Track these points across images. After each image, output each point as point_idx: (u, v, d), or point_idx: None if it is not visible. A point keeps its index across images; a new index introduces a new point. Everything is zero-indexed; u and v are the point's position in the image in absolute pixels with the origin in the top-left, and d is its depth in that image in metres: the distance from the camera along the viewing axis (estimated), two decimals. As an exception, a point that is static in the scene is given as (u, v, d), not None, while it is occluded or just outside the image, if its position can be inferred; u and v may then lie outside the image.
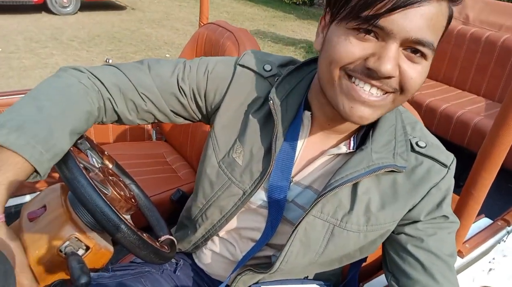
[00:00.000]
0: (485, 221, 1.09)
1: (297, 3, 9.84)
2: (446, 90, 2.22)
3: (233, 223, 0.79)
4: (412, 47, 0.53)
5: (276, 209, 0.71)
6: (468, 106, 2.04)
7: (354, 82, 0.56)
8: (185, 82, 0.75)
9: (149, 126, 1.95)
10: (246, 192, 0.73)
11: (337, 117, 0.66)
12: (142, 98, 0.74)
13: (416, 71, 0.55)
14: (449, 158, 0.69)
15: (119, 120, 0.77)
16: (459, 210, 0.86)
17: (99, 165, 0.82)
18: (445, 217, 0.68)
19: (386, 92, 0.57)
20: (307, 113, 0.70)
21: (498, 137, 0.76)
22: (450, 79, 2.31)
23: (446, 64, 2.32)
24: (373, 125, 0.69)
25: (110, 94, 0.73)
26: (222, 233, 0.83)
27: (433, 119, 1.96)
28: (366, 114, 0.58)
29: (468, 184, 0.84)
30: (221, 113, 0.75)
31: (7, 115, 0.60)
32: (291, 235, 0.70)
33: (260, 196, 0.74)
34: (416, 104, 2.02)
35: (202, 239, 0.83)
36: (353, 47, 0.54)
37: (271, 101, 0.69)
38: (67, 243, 0.66)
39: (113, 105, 0.73)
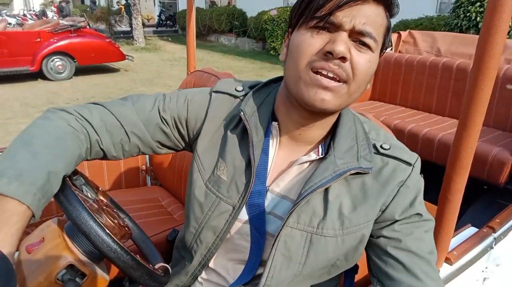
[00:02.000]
0: (471, 230, 1.12)
1: (283, 54, 10.31)
2: (427, 117, 2.34)
3: (226, 244, 0.80)
4: (358, 38, 0.64)
5: (258, 223, 0.74)
6: (449, 129, 2.13)
7: (317, 73, 0.65)
8: (166, 112, 0.80)
9: (144, 173, 2.00)
10: (235, 206, 0.76)
11: (304, 120, 0.73)
12: (127, 134, 0.79)
13: (363, 59, 0.65)
14: (413, 157, 0.75)
15: (104, 157, 0.81)
16: (440, 218, 0.90)
17: (95, 198, 0.87)
18: (419, 215, 0.72)
19: (340, 80, 0.65)
20: (274, 124, 0.77)
21: (462, 142, 0.82)
22: (429, 107, 2.44)
23: (424, 93, 2.47)
24: (333, 136, 0.75)
25: (98, 135, 0.77)
26: (217, 259, 0.84)
27: (417, 143, 2.04)
28: (327, 98, 0.65)
29: (443, 190, 0.88)
30: (202, 137, 0.80)
31: (4, 162, 0.63)
32: (271, 250, 0.72)
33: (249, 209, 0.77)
34: (398, 131, 2.11)
35: (199, 267, 0.84)
36: (313, 40, 0.65)
37: (242, 113, 0.75)
38: (64, 271, 0.68)
39: (99, 144, 0.78)
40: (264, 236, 0.75)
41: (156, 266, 0.89)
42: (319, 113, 0.71)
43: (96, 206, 0.80)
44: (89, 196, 0.87)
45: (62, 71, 7.02)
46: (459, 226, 1.21)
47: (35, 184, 0.61)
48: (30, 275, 0.66)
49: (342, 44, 0.62)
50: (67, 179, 0.74)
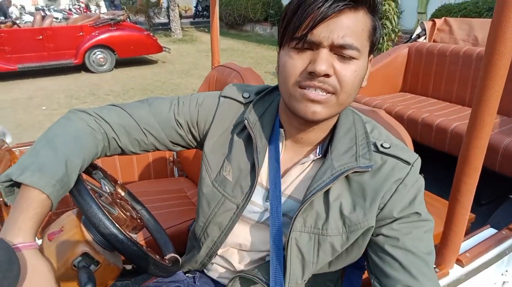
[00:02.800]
0: (489, 231, 1.08)
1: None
2: (459, 110, 2.24)
3: (232, 238, 0.86)
4: (340, 51, 0.65)
5: (276, 221, 0.78)
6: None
7: (305, 89, 0.68)
8: (180, 116, 0.86)
9: (171, 164, 2.08)
10: (239, 205, 0.81)
11: (303, 126, 0.76)
12: (144, 133, 0.85)
13: (349, 70, 0.66)
14: (412, 156, 0.75)
15: (123, 153, 0.89)
16: (450, 218, 0.88)
17: (111, 191, 0.93)
18: (418, 214, 0.72)
19: (329, 92, 0.67)
20: (281, 131, 0.80)
21: (473, 141, 0.80)
22: (463, 99, 2.34)
23: (457, 84, 2.36)
24: (332, 138, 0.77)
25: (116, 133, 0.83)
26: (223, 249, 0.89)
27: (445, 138, 1.96)
28: (318, 110, 0.68)
29: (453, 191, 0.86)
30: (209, 138, 0.85)
31: (28, 158, 0.71)
32: (286, 256, 0.76)
33: (253, 209, 0.82)
34: (426, 125, 2.04)
35: (207, 257, 0.90)
36: (295, 61, 0.67)
37: (246, 121, 0.79)
38: (80, 258, 0.75)
39: (117, 142, 0.84)
40: (281, 232, 0.78)
41: (167, 256, 0.95)
42: (317, 122, 0.74)
43: (111, 199, 0.86)
44: (106, 189, 0.93)
45: (103, 63, 7.32)
46: (481, 226, 1.17)
47: (55, 177, 0.68)
48: (50, 260, 0.73)
49: (322, 63, 0.64)
50: (83, 174, 0.80)
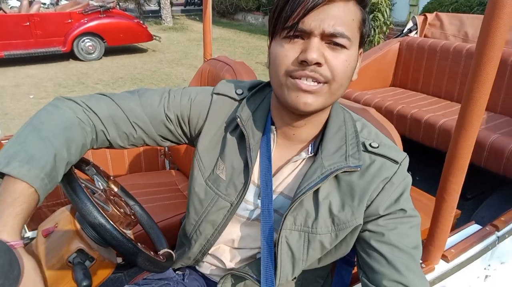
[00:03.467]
0: (474, 227, 1.12)
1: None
2: (447, 106, 2.28)
3: (224, 236, 0.86)
4: (331, 40, 0.65)
5: (267, 218, 0.78)
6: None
7: (297, 79, 0.68)
8: (170, 110, 0.84)
9: (163, 157, 2.08)
10: (233, 203, 0.81)
11: (294, 121, 0.76)
12: (133, 126, 0.83)
13: (339, 59, 0.66)
14: (400, 155, 0.76)
15: (110, 146, 0.86)
16: (436, 215, 0.91)
17: (104, 187, 0.93)
18: (403, 210, 0.73)
19: (320, 82, 0.67)
20: (272, 128, 0.80)
21: (460, 142, 0.82)
22: (451, 94, 2.37)
23: (446, 80, 2.39)
24: (322, 136, 0.78)
25: (104, 126, 0.80)
26: (216, 246, 0.90)
27: (433, 134, 2.00)
28: (309, 101, 0.68)
29: (440, 190, 0.89)
30: (203, 136, 0.84)
31: (14, 146, 0.66)
32: (277, 253, 0.77)
33: (246, 206, 0.82)
34: (415, 121, 2.07)
35: (200, 254, 0.91)
36: (287, 51, 0.67)
37: (238, 119, 0.79)
38: (75, 254, 0.76)
39: (105, 135, 0.82)
40: (272, 229, 0.79)
41: (161, 252, 0.96)
42: (308, 114, 0.73)
43: (104, 196, 0.86)
44: (100, 185, 0.94)
45: (92, 51, 7.20)
46: (465, 221, 1.21)
47: (43, 169, 0.66)
48: (44, 257, 0.73)
49: (314, 51, 0.64)
50: (75, 169, 0.80)
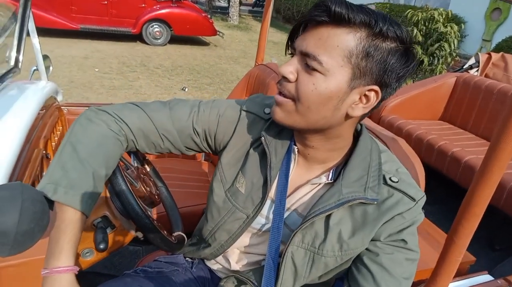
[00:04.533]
0: (485, 278, 1.09)
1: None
2: (485, 144, 2.20)
3: (238, 243, 0.90)
4: (305, 60, 0.67)
5: (276, 235, 0.81)
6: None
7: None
8: (199, 124, 0.85)
9: (200, 148, 2.18)
10: (249, 216, 0.84)
11: (304, 140, 0.78)
12: (161, 138, 0.86)
13: (309, 82, 0.66)
14: (419, 194, 0.76)
15: (137, 151, 0.91)
16: (443, 257, 0.91)
17: (138, 165, 1.03)
18: (404, 241, 0.75)
19: (286, 97, 0.71)
20: (294, 148, 0.82)
21: (477, 189, 0.82)
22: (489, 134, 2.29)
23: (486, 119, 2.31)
24: (346, 163, 0.79)
25: (134, 136, 0.84)
26: (228, 251, 0.94)
27: (471, 175, 1.93)
28: (276, 111, 0.73)
29: (451, 233, 0.88)
30: (228, 151, 0.86)
31: (57, 171, 0.73)
32: (280, 266, 0.80)
33: (261, 221, 0.86)
34: (455, 160, 2.01)
35: (212, 256, 0.96)
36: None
37: (262, 138, 0.81)
38: (100, 219, 0.85)
39: (135, 144, 0.86)
40: (278, 242, 0.81)
41: (175, 233, 1.04)
42: (310, 133, 0.75)
43: (136, 173, 0.95)
44: (134, 163, 1.03)
45: (158, 37, 7.58)
46: (480, 269, 1.18)
47: (86, 192, 0.74)
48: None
49: (286, 66, 0.68)
50: None
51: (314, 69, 0.65)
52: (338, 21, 0.63)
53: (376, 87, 0.67)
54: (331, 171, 0.80)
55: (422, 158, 2.17)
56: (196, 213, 1.59)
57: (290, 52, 0.72)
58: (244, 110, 0.87)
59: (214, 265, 1.01)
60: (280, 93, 0.72)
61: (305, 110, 0.69)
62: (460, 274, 0.99)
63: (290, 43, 0.71)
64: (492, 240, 1.94)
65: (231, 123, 0.86)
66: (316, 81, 0.66)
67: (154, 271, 0.97)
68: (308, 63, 0.66)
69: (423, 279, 1.08)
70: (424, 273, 1.09)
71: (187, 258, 1.05)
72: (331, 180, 0.79)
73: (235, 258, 0.94)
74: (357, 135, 0.82)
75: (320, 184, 0.81)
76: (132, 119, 0.83)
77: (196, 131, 0.86)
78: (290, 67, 0.68)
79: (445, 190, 2.11)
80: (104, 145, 0.79)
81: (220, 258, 0.98)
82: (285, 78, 0.69)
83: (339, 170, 0.79)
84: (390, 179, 0.77)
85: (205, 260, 1.04)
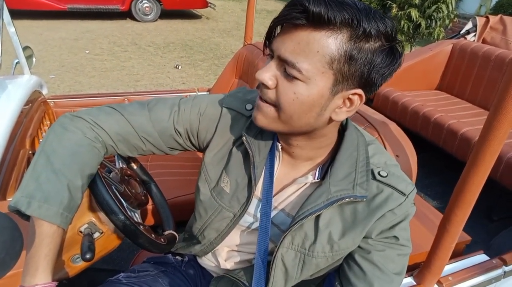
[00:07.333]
0: (481, 258, 1.09)
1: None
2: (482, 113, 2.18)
3: (228, 241, 0.90)
4: (284, 67, 0.62)
5: (264, 232, 0.79)
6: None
7: None
8: (180, 124, 0.83)
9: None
10: (236, 215, 0.83)
11: (287, 139, 0.76)
12: (142, 141, 0.84)
13: (289, 89, 0.63)
14: (409, 187, 0.74)
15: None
16: (436, 243, 0.90)
17: (123, 166, 1.01)
18: (396, 238, 0.74)
19: (268, 102, 0.67)
20: (278, 145, 0.79)
21: (469, 175, 0.80)
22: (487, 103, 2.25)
23: (497, 92, 2.26)
24: (332, 161, 0.76)
25: (113, 141, 0.82)
26: (218, 248, 0.94)
27: (467, 148, 1.91)
28: (257, 116, 0.70)
29: (444, 220, 0.87)
30: (211, 149, 0.84)
31: (30, 183, 0.70)
32: (271, 268, 0.79)
33: (248, 219, 0.85)
34: (451, 132, 1.98)
35: (202, 253, 0.96)
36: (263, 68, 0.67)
37: (244, 137, 0.79)
38: (86, 225, 0.84)
39: (114, 149, 0.84)
40: (267, 241, 0.80)
41: (165, 232, 1.03)
42: (293, 135, 0.73)
43: (120, 175, 0.93)
44: (120, 164, 1.01)
45: (148, 13, 7.37)
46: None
47: (61, 205, 0.71)
48: None
49: (263, 71, 0.64)
50: None
51: (294, 77, 0.61)
52: (317, 23, 0.58)
53: (359, 91, 0.64)
54: (318, 169, 0.78)
55: (418, 131, 2.15)
56: (191, 201, 1.58)
57: (268, 53, 0.67)
58: (225, 107, 0.85)
59: (205, 263, 1.01)
60: (261, 98, 0.68)
61: (288, 118, 0.67)
62: (456, 254, 0.99)
63: (268, 44, 0.66)
64: (490, 211, 1.94)
65: (213, 121, 0.84)
66: (297, 89, 0.62)
67: (138, 275, 0.96)
68: (287, 71, 0.62)
69: (418, 263, 1.08)
70: (419, 256, 1.09)
71: (177, 257, 1.05)
72: (318, 179, 0.77)
73: (225, 256, 0.94)
74: (342, 130, 0.79)
75: (306, 183, 0.79)
76: (110, 124, 0.81)
77: (178, 131, 0.84)
78: (268, 73, 0.64)
79: (442, 161, 2.09)
80: (79, 154, 0.76)
81: (210, 256, 0.97)
82: (264, 84, 0.65)
83: (326, 167, 0.77)
84: (379, 173, 0.75)
85: (196, 257, 1.04)
